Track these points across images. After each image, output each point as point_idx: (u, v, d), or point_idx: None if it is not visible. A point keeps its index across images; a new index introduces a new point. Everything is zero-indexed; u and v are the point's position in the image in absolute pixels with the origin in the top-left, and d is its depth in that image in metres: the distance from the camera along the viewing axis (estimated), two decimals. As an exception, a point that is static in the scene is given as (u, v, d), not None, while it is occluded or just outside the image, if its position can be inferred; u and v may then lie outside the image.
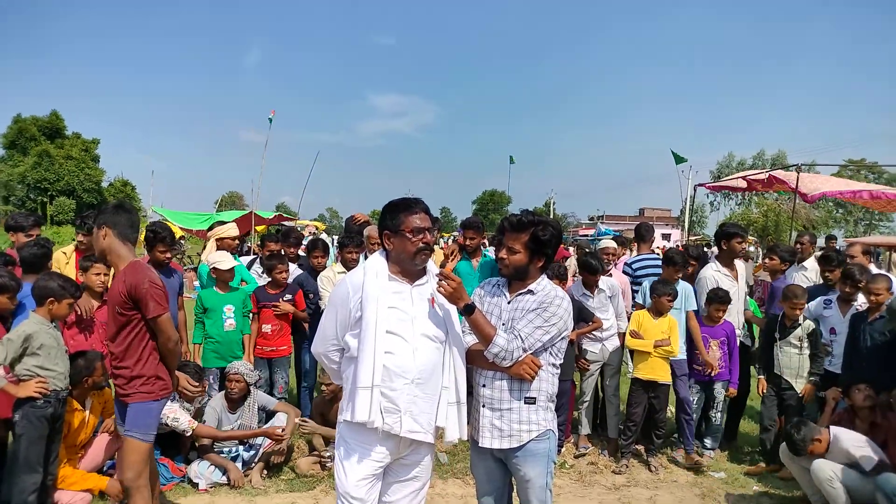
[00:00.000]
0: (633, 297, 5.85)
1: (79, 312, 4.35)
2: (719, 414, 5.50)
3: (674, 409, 5.61)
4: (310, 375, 5.74)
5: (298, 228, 23.60)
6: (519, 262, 2.78)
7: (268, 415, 5.04)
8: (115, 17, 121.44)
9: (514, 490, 2.92)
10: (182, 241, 20.60)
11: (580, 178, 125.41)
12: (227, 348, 5.21)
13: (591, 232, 32.02)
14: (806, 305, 5.24)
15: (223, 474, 4.55)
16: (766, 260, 6.42)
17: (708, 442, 5.55)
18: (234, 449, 4.79)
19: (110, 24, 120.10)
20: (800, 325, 5.09)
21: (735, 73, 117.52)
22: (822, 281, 5.79)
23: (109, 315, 3.28)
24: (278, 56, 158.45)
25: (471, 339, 2.80)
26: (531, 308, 2.74)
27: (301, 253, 6.79)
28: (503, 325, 2.76)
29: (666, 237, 48.01)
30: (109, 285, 3.88)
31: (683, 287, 5.36)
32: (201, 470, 4.53)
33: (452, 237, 21.59)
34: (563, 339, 2.82)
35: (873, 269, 6.00)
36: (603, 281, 5.51)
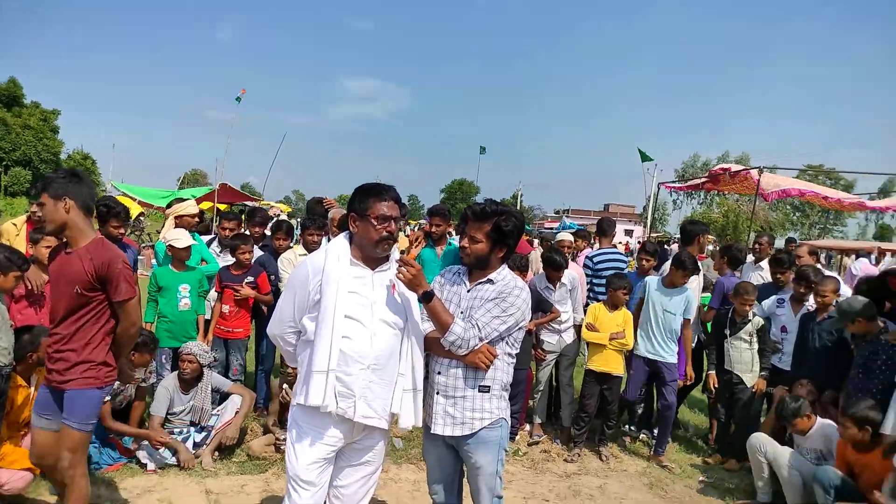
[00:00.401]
0: (591, 292, 5.94)
1: (28, 286, 4.21)
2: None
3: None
4: (268, 359, 5.67)
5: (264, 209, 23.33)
6: (480, 252, 2.78)
7: (222, 397, 4.97)
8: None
9: (465, 477, 2.94)
10: (142, 218, 20.10)
11: (549, 172, 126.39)
12: (181, 328, 5.10)
13: (556, 225, 32.32)
14: (760, 304, 5.41)
15: (173, 455, 4.48)
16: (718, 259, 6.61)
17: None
18: (185, 430, 4.72)
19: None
20: (750, 320, 5.23)
21: (706, 75, 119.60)
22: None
23: (60, 293, 3.03)
24: (252, 34, 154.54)
25: (429, 327, 2.80)
26: (490, 297, 2.75)
27: (267, 233, 6.68)
28: (462, 313, 2.77)
29: (629, 233, 48.79)
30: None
31: (687, 294, 5.29)
32: (150, 451, 4.44)
33: (419, 224, 21.56)
34: (520, 329, 2.84)
35: (823, 270, 6.21)
36: (564, 274, 5.58)
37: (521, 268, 5.18)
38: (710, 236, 25.52)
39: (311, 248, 5.31)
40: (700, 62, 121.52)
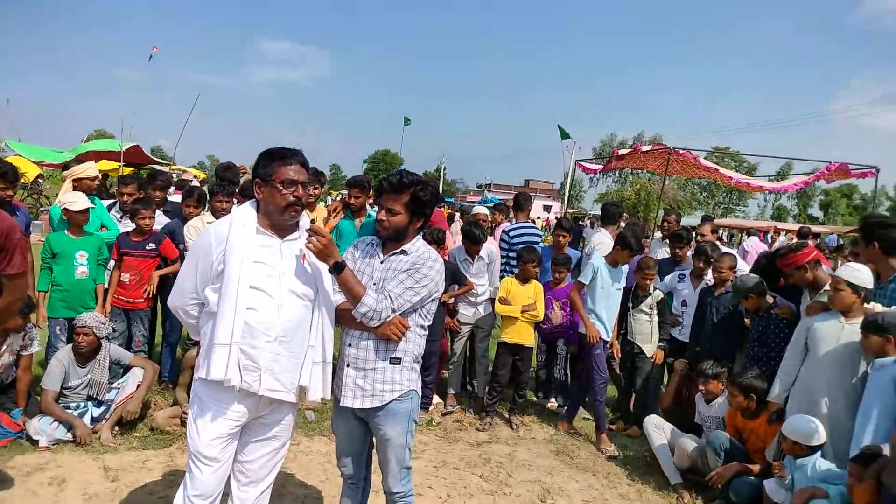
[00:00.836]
0: (507, 265, 6.05)
1: None
2: (562, 369, 5.90)
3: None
4: (174, 331, 5.44)
5: (176, 175, 22.12)
6: (399, 224, 2.73)
7: (124, 369, 4.73)
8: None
9: (375, 448, 2.95)
10: (40, 181, 18.64)
11: (472, 146, 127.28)
12: (78, 298, 4.79)
13: (478, 199, 32.66)
14: (662, 279, 5.68)
15: (68, 430, 4.24)
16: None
17: (559, 400, 5.97)
18: (82, 404, 4.47)
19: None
20: (650, 294, 5.48)
21: (627, 56, 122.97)
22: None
23: None
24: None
25: (340, 298, 2.74)
26: (403, 269, 2.72)
27: (175, 199, 6.34)
28: (374, 284, 2.72)
29: (547, 208, 50.03)
30: None
31: (626, 268, 5.36)
32: (43, 426, 4.18)
33: (341, 195, 21.18)
34: (433, 300, 2.83)
35: (722, 247, 6.59)
36: (483, 248, 5.65)
37: (437, 241, 5.19)
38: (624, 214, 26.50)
39: (218, 215, 5.09)
40: (621, 40, 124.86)
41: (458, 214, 12.77)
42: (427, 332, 2.89)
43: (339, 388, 2.78)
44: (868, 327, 3.56)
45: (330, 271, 2.61)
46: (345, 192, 6.08)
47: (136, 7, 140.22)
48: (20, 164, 15.45)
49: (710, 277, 5.46)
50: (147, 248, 5.08)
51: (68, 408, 4.39)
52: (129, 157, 20.24)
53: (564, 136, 17.98)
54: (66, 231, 4.85)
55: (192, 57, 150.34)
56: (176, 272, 5.05)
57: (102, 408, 4.47)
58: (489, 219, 6.69)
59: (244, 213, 2.57)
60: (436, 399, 5.72)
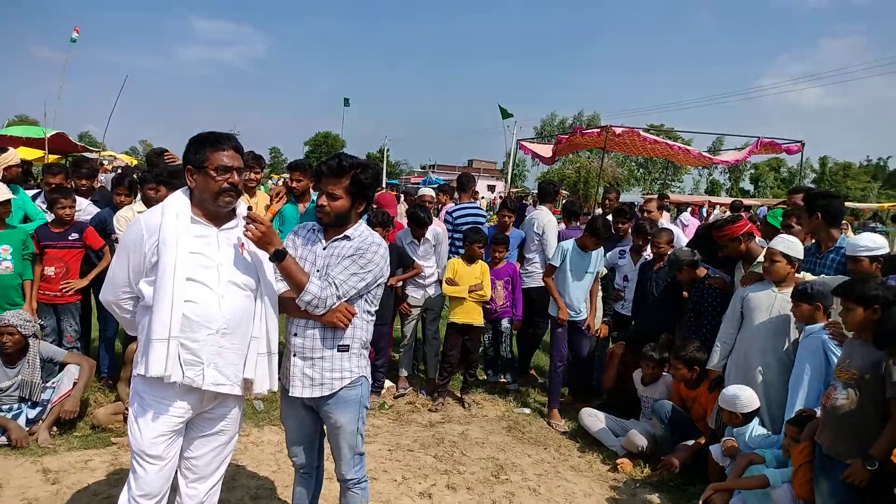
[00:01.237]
0: (452, 246, 6.06)
1: None
2: (507, 347, 5.98)
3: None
4: (110, 325, 5.22)
5: (105, 161, 21.10)
6: (341, 208, 2.66)
7: (59, 367, 4.52)
8: None
9: (326, 436, 2.92)
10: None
11: (414, 127, 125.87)
12: (2, 295, 4.53)
13: (422, 180, 32.57)
14: (605, 255, 5.81)
15: (2, 434, 4.05)
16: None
17: (509, 377, 6.06)
18: (15, 406, 4.26)
19: None
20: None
21: (566, 35, 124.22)
22: None
23: None
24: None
25: (283, 286, 2.68)
26: (347, 254, 2.66)
27: (97, 187, 6.05)
28: (318, 271, 2.67)
29: (491, 188, 50.37)
30: None
31: (599, 252, 5.40)
32: (-27, 431, 3.98)
33: (283, 178, 20.68)
34: (378, 285, 2.80)
35: (665, 223, 6.79)
36: (428, 230, 5.63)
37: (382, 224, 5.14)
38: (563, 191, 26.93)
39: (150, 203, 4.89)
40: (560, 17, 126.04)
41: (402, 196, 12.69)
42: (374, 318, 2.87)
43: (286, 377, 2.73)
44: (798, 296, 3.72)
45: (271, 259, 2.54)
46: (286, 175, 5.92)
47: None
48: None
49: (649, 252, 5.62)
50: (70, 237, 4.85)
51: (0, 410, 4.18)
52: (53, 144, 19.18)
53: (506, 115, 18.09)
54: (-13, 224, 4.57)
55: (116, 34, 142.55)
56: (106, 267, 4.91)
57: (38, 409, 4.28)
58: (434, 200, 6.67)
59: (177, 202, 2.47)
60: (387, 382, 5.72)
